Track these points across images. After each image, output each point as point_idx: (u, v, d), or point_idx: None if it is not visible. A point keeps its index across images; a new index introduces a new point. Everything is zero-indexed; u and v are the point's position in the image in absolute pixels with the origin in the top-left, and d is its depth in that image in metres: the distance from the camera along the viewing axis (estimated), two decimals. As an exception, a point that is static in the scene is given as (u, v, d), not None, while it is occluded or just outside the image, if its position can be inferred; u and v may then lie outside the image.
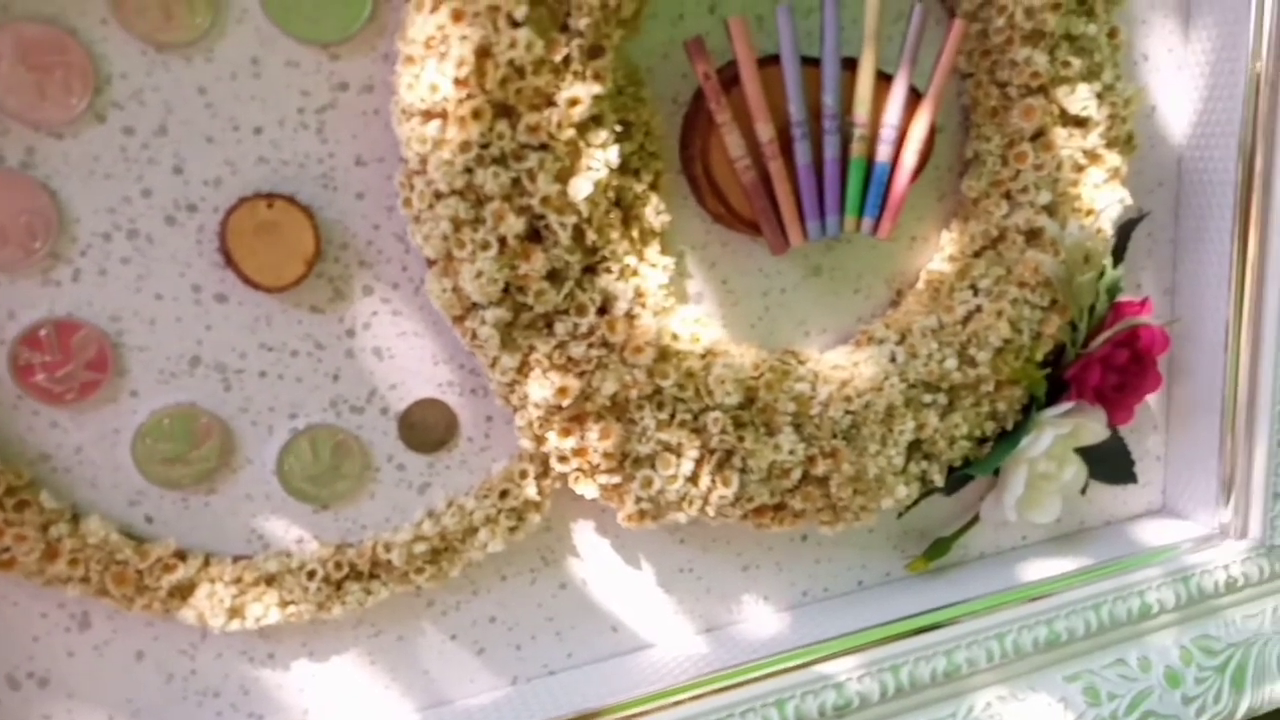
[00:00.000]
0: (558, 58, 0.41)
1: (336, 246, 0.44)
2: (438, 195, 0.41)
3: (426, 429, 0.47)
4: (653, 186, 0.47)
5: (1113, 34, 0.52)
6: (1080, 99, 0.51)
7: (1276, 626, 0.59)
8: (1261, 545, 0.60)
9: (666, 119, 0.49)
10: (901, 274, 0.56)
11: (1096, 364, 0.55)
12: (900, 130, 0.49)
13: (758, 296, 0.53)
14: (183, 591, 0.44)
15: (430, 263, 0.43)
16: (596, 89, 0.42)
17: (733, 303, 0.52)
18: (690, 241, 0.50)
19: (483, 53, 0.40)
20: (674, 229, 0.50)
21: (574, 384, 0.44)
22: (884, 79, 0.49)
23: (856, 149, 0.49)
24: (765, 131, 0.47)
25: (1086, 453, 0.59)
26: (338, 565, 0.45)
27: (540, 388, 0.44)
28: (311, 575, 0.45)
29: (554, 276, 0.43)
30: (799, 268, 0.53)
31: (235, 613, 0.44)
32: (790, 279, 0.53)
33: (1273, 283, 0.56)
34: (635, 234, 0.47)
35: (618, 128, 0.44)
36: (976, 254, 0.54)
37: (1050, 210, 0.53)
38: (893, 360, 0.52)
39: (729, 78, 0.47)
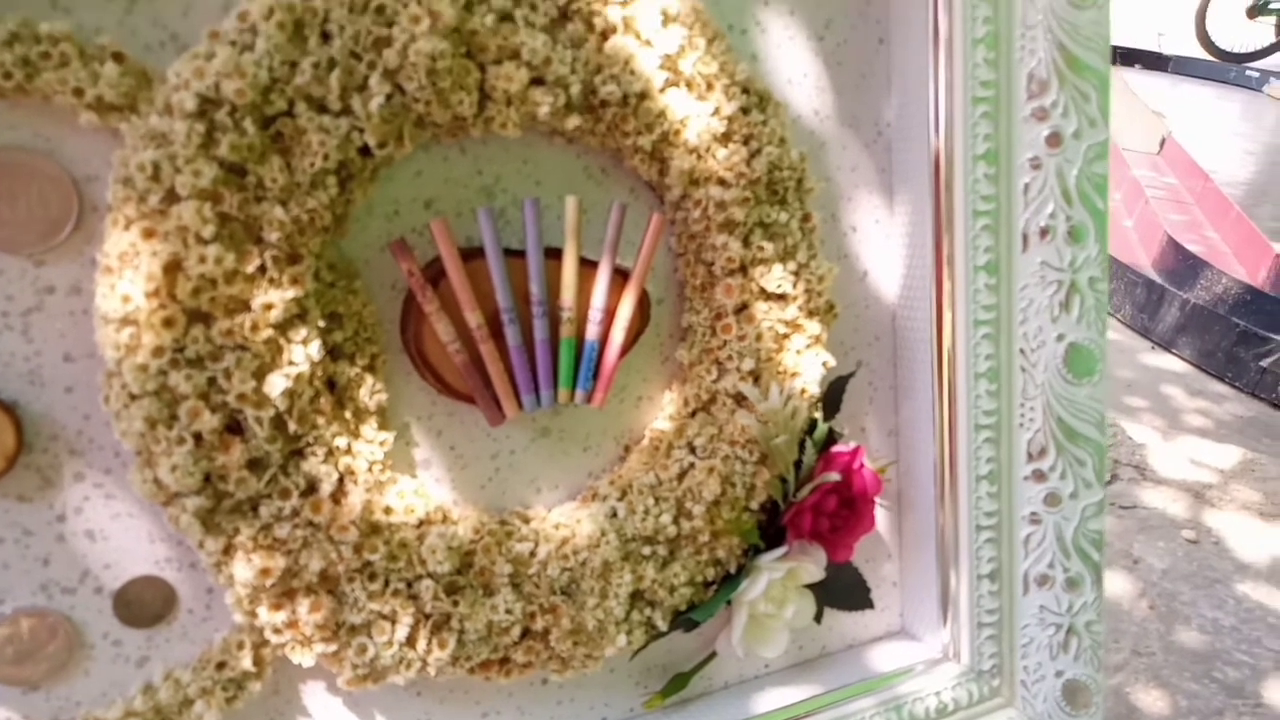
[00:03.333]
0: (251, 268, 0.44)
1: (45, 438, 0.46)
2: (132, 397, 0.44)
3: (143, 605, 0.49)
4: (369, 368, 0.51)
5: (806, 219, 0.59)
6: (775, 278, 0.57)
7: (987, 745, 0.64)
8: (971, 670, 0.65)
9: (388, 303, 0.52)
10: (629, 431, 0.60)
11: (808, 511, 0.60)
12: (607, 311, 0.54)
13: (487, 459, 0.56)
14: (-127, 784, 0.44)
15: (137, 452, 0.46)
16: (293, 293, 0.46)
17: (462, 467, 0.56)
18: (415, 412, 0.54)
19: (173, 267, 0.43)
20: (398, 401, 0.53)
21: (277, 564, 0.47)
22: (593, 264, 0.55)
23: (566, 330, 0.54)
24: (474, 318, 0.51)
25: (823, 583, 0.64)
26: (43, 747, 0.46)
27: (244, 568, 0.47)
28: (14, 759, 0.46)
29: (255, 465, 0.46)
30: (527, 430, 0.57)
31: (-70, 802, 0.45)
32: (519, 441, 0.57)
33: (963, 429, 0.63)
34: (349, 414, 0.50)
35: (322, 323, 0.48)
36: (692, 414, 0.59)
37: (756, 375, 0.58)
38: (614, 516, 0.57)
39: (440, 269, 0.51)
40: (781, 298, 0.58)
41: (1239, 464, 1.23)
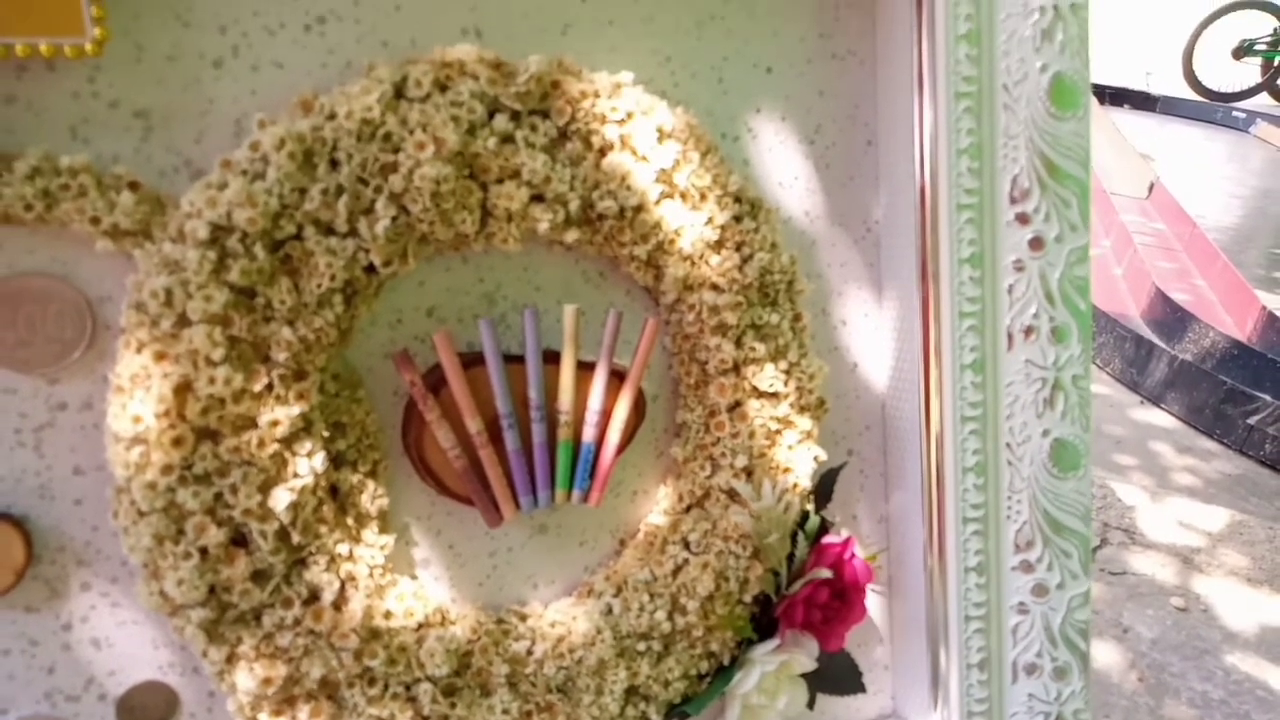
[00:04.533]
0: (258, 387, 0.46)
1: (53, 550, 0.47)
2: (140, 513, 0.45)
3: (146, 710, 0.50)
4: (371, 474, 0.52)
5: (797, 318, 0.61)
6: (767, 377, 0.59)
7: (977, 834, 0.65)
8: (962, 758, 0.66)
9: (390, 408, 0.54)
10: (625, 525, 0.61)
11: (800, 604, 0.61)
12: (604, 413, 0.56)
13: (485, 557, 0.57)
14: None
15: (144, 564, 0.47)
16: (298, 409, 0.47)
17: (460, 565, 0.57)
18: (415, 513, 0.55)
19: (183, 388, 0.45)
20: (399, 502, 0.55)
21: (279, 673, 0.48)
22: (591, 366, 0.56)
23: (563, 433, 0.55)
24: (474, 424, 0.53)
25: (815, 670, 0.65)
26: None
27: (247, 677, 0.48)
28: None
29: (259, 576, 0.47)
30: (525, 527, 0.58)
31: None
32: (517, 538, 0.58)
33: (951, 521, 0.64)
34: (351, 520, 0.51)
35: (326, 433, 0.49)
36: (686, 510, 0.60)
37: (749, 471, 0.60)
38: (609, 612, 0.58)
39: (442, 376, 0.53)
40: (774, 396, 0.60)
41: (1227, 526, 1.25)
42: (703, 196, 0.56)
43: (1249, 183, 4.70)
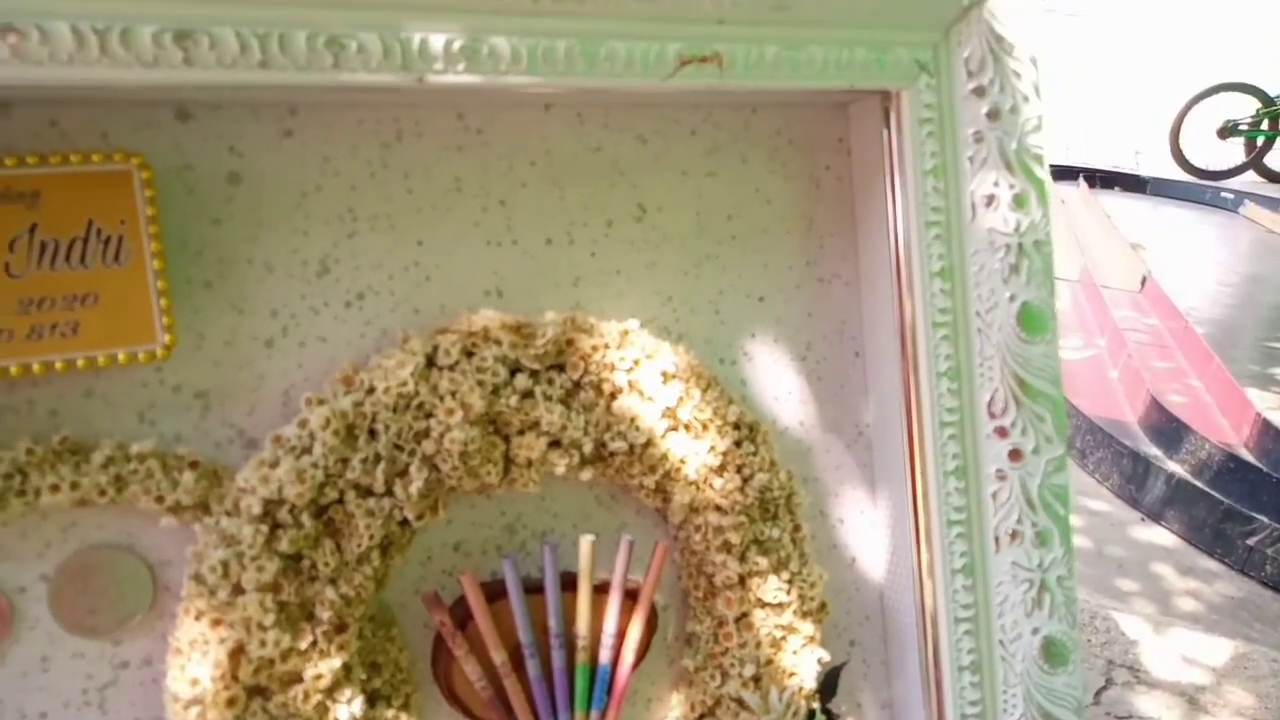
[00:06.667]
0: (304, 645, 0.50)
1: (111, 799, 0.51)
2: (196, 772, 0.49)
3: None
4: (404, 708, 0.56)
5: (797, 529, 0.65)
6: (771, 589, 0.63)
7: None
8: None
9: (420, 639, 0.58)
10: (641, 732, 0.65)
11: (809, 805, 0.64)
12: (619, 634, 0.60)
13: (509, 773, 0.61)
14: None
15: (195, 811, 0.50)
16: (339, 660, 0.51)
17: (486, 782, 0.60)
18: (445, 736, 0.59)
19: (237, 651, 0.49)
20: (429, 728, 0.58)
21: None
22: (606, 586, 0.60)
23: (581, 656, 0.59)
24: (498, 656, 0.57)
25: None
26: None
27: None
28: None
29: (302, 822, 0.51)
30: (546, 742, 0.62)
31: None
32: (538, 752, 0.61)
33: (951, 716, 0.67)
34: (386, 754, 0.55)
35: (363, 675, 0.53)
36: (699, 718, 0.64)
37: (757, 679, 0.63)
38: (628, 824, 0.61)
39: (468, 610, 0.57)
40: (778, 605, 0.64)
41: (1231, 660, 1.26)
42: (704, 427, 0.61)
43: (1239, 269, 4.78)
